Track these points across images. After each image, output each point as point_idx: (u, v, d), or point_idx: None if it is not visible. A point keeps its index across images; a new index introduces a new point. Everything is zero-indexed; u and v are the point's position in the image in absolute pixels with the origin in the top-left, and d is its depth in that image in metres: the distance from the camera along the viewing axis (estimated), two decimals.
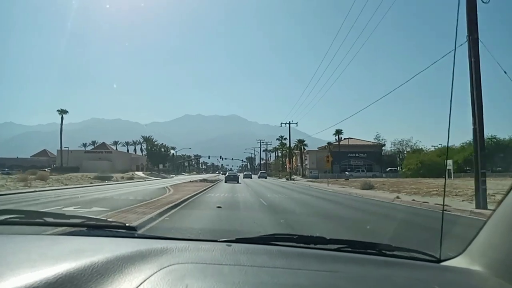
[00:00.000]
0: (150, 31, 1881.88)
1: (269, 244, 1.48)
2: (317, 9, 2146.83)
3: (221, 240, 1.50)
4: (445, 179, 21.30)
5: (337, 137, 72.22)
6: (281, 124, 61.05)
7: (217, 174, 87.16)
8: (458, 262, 1.38)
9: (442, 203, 14.21)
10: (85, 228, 1.63)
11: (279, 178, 73.39)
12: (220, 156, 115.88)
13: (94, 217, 1.88)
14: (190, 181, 47.60)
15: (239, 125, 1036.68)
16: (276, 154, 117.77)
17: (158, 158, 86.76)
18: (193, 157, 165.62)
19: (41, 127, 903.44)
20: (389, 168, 69.18)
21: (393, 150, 73.53)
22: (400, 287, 1.14)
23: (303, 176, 69.81)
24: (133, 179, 65.59)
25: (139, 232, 1.82)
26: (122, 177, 66.06)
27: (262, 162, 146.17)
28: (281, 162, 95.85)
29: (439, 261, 1.43)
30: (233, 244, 1.42)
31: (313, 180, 56.16)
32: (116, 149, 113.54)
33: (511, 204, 1.23)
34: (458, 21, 4.01)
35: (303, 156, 74.81)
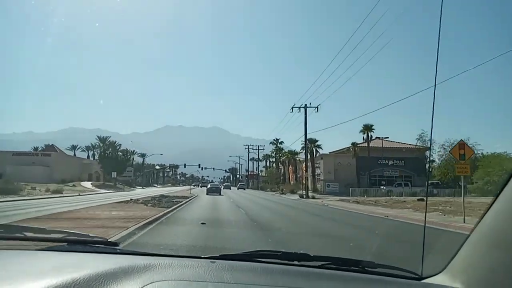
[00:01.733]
0: (131, 40, 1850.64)
1: (253, 261, 1.47)
2: (306, 15, 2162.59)
3: (204, 256, 1.47)
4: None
5: (365, 135, 49.03)
6: (292, 108, 38.65)
7: (191, 187, 66.92)
8: (439, 279, 1.37)
9: None
10: (66, 244, 1.57)
11: (281, 193, 50.61)
12: (199, 165, 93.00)
13: (75, 232, 1.83)
14: (129, 200, 24.39)
15: (221, 137, 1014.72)
16: (267, 162, 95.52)
17: (113, 165, 63.26)
18: (168, 166, 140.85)
19: (15, 135, 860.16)
20: (434, 182, 47.34)
21: (442, 156, 49.87)
22: None
23: (315, 190, 47.29)
24: (61, 193, 42.33)
25: (121, 247, 1.71)
26: (48, 190, 43.22)
27: (245, 174, 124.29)
28: (279, 171, 72.98)
29: (420, 278, 1.42)
30: (217, 261, 1.40)
31: (335, 198, 34.15)
32: (75, 154, 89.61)
33: (489, 222, 1.24)
34: None
35: (314, 163, 52.17)
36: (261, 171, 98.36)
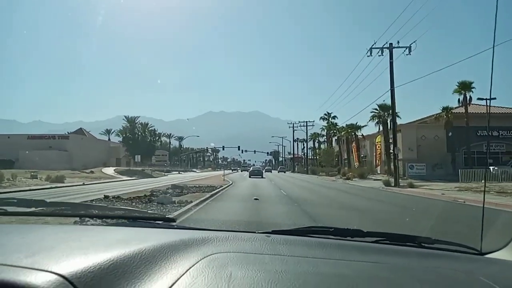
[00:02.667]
0: (173, 29, 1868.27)
1: (306, 236, 1.48)
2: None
3: (258, 231, 1.49)
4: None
5: (461, 97, 35.11)
6: (369, 51, 26.19)
7: (230, 171, 58.70)
8: (501, 254, 1.37)
9: None
10: (127, 220, 1.68)
11: (344, 178, 38.29)
12: (238, 147, 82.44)
13: (135, 209, 1.98)
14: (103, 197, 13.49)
15: (262, 121, 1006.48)
16: (314, 143, 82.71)
17: (139, 148, 53.67)
18: (206, 149, 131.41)
19: (67, 125, 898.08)
20: None
21: None
22: (445, 278, 1.12)
23: (389, 173, 34.73)
24: (62, 182, 32.70)
25: (177, 223, 1.79)
26: (49, 177, 34.03)
27: (288, 156, 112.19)
28: (336, 150, 59.91)
29: (481, 253, 1.41)
30: (272, 235, 1.41)
31: (443, 186, 21.43)
32: (109, 139, 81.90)
33: None
34: None
35: (388, 137, 39.10)
36: (305, 152, 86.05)
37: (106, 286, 0.75)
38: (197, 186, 21.92)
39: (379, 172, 41.12)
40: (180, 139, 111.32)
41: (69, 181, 34.54)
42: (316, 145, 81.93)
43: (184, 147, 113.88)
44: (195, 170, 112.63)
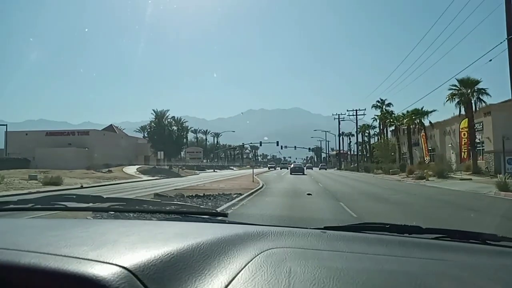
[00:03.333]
0: (213, 29, 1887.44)
1: (362, 233, 1.41)
2: None
3: (312, 227, 1.43)
4: None
5: None
6: None
7: (269, 169, 52.05)
8: None
9: None
10: (180, 215, 1.71)
11: (414, 178, 29.34)
12: (277, 143, 74.84)
13: (187, 204, 2.05)
14: None
15: (302, 118, 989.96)
16: (363, 136, 73.05)
17: (163, 144, 47.16)
18: (246, 146, 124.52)
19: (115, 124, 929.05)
20: None
21: None
22: None
23: (476, 171, 25.26)
24: (59, 184, 26.46)
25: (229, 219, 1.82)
26: (47, 177, 28.28)
27: (333, 152, 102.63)
28: (394, 141, 50.07)
29: None
30: (327, 231, 1.35)
31: None
32: (144, 136, 77.04)
33: None
34: None
35: (473, 123, 29.42)
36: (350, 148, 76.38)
37: (168, 279, 0.76)
38: (203, 194, 14.14)
39: (454, 168, 31.63)
40: (216, 135, 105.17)
41: (71, 182, 28.51)
42: (366, 139, 72.28)
43: (222, 144, 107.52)
44: (232, 167, 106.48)
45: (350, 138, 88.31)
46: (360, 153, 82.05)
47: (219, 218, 1.70)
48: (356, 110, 61.80)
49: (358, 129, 68.92)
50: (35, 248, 0.83)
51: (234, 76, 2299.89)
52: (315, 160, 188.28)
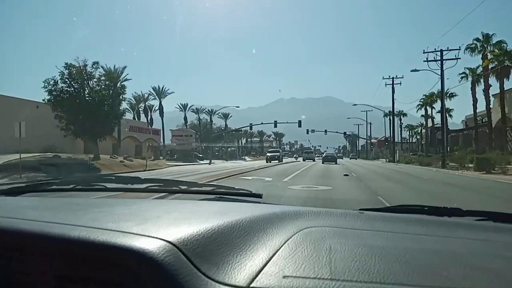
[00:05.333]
0: (244, 17, 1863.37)
1: (401, 213, 1.38)
2: None
3: (349, 208, 1.41)
4: None
5: None
6: None
7: (268, 161, 34.46)
8: None
9: None
10: (216, 196, 1.73)
11: None
12: (299, 122, 53.34)
13: (223, 185, 2.03)
14: None
15: (334, 107, 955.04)
16: (426, 113, 49.56)
17: (78, 113, 25.69)
18: (271, 134, 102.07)
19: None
20: None
21: None
22: None
23: None
24: None
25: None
26: None
27: (374, 140, 79.41)
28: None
29: None
30: (365, 212, 1.33)
31: None
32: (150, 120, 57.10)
33: None
34: None
35: None
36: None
37: (211, 253, 0.77)
38: None
39: None
40: (225, 117, 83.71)
41: None
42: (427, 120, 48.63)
43: (231, 128, 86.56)
44: (246, 158, 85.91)
45: (401, 119, 64.76)
46: (411, 140, 58.56)
47: (255, 198, 1.68)
48: (442, 59, 31.54)
49: (422, 102, 45.29)
50: (83, 223, 0.85)
51: (265, 65, 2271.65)
52: (348, 149, 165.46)
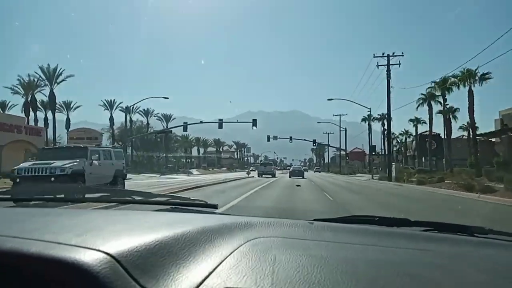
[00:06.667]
0: (211, 31, 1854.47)
1: (350, 224, 1.42)
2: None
3: (300, 219, 1.44)
4: None
5: None
6: None
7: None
8: None
9: None
10: (170, 206, 1.70)
11: None
12: (253, 122, 37.41)
13: (178, 195, 2.11)
14: None
15: (301, 121, 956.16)
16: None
17: None
18: (232, 144, 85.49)
19: None
20: None
21: None
22: (504, 266, 1.03)
23: None
24: None
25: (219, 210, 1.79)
26: None
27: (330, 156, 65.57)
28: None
29: None
30: (315, 222, 1.35)
31: None
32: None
33: None
34: None
35: None
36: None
37: (151, 265, 0.75)
38: None
39: None
40: (167, 119, 66.30)
41: None
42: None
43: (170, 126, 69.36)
44: (192, 171, 69.11)
45: (384, 125, 50.37)
46: (399, 149, 44.30)
47: (209, 209, 1.65)
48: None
49: (423, 98, 30.49)
50: (18, 234, 0.82)
51: (233, 78, 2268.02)
52: (314, 161, 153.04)
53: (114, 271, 0.69)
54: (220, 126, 39.50)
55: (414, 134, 53.64)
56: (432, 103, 37.99)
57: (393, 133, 58.65)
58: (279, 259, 0.88)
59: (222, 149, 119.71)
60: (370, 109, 40.08)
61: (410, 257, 1.01)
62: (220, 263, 0.83)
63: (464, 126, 46.70)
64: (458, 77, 29.60)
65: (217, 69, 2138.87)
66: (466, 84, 28.65)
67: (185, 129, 41.79)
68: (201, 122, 47.51)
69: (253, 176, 38.86)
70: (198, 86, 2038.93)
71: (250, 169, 65.21)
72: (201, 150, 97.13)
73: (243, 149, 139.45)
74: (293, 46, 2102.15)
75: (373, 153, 41.18)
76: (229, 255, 0.88)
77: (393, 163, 31.48)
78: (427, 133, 50.46)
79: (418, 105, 38.72)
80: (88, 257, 0.70)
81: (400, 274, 0.85)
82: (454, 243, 1.21)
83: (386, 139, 40.21)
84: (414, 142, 55.51)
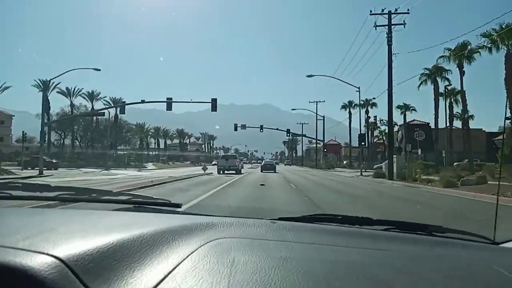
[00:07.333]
0: (184, 21, 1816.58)
1: (313, 223, 1.42)
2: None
3: (264, 218, 1.44)
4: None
5: None
6: None
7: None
8: None
9: None
10: (132, 206, 1.65)
11: None
12: (213, 106, 28.85)
13: (140, 194, 1.93)
14: None
15: (273, 114, 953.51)
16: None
17: None
18: (199, 136, 76.47)
19: None
20: None
21: None
22: (459, 266, 1.06)
23: None
24: None
25: (183, 209, 1.77)
26: None
27: (318, 145, 58.86)
28: None
29: (494, 243, 1.33)
30: (278, 221, 1.36)
31: None
32: None
33: None
34: None
35: None
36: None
37: (104, 269, 0.72)
38: None
39: None
40: (93, 97, 53.19)
41: None
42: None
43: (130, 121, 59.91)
44: (146, 165, 60.23)
45: (368, 112, 43.40)
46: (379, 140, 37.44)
47: (172, 209, 1.60)
48: None
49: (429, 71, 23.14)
50: None
51: (202, 70, 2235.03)
52: (286, 155, 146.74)
53: (63, 276, 0.65)
54: (169, 107, 31.04)
55: (401, 123, 46.99)
56: (438, 80, 30.54)
57: (378, 120, 52.29)
58: (238, 260, 0.86)
59: (189, 141, 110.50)
60: (359, 88, 32.55)
61: (368, 257, 1.01)
62: (177, 265, 0.81)
63: (458, 114, 40.26)
64: (492, 35, 20.87)
65: (188, 62, 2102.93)
66: (500, 47, 20.78)
67: (122, 111, 32.98)
68: (142, 101, 38.62)
69: (211, 173, 30.64)
70: (171, 79, 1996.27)
71: (213, 163, 54.74)
72: (164, 142, 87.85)
73: (211, 141, 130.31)
74: (267, 38, 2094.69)
75: (363, 143, 33.86)
76: (187, 257, 0.86)
77: (394, 156, 24.03)
78: (415, 122, 44.17)
79: (421, 83, 31.42)
80: (35, 261, 0.66)
81: (356, 275, 0.85)
82: (413, 242, 1.23)
83: (390, 121, 32.67)
84: (399, 132, 48.99)
